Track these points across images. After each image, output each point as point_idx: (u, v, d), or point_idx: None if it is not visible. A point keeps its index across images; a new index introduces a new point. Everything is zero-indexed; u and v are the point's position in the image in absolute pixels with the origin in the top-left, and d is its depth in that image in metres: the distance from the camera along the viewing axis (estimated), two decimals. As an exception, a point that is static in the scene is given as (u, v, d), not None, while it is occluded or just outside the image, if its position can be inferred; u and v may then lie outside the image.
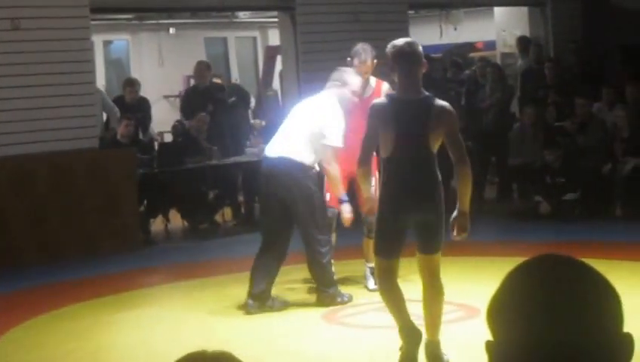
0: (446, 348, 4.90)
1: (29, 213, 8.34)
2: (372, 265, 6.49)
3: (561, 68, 11.17)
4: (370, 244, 6.30)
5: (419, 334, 4.74)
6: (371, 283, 6.51)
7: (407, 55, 4.63)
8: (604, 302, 1.17)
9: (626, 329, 1.19)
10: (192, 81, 11.99)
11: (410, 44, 4.70)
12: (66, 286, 7.41)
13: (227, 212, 10.27)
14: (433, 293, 4.74)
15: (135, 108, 10.18)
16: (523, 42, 11.78)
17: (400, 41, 4.74)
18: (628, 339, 1.18)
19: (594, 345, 1.14)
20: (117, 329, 6.03)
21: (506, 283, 1.20)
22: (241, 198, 10.43)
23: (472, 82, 11.51)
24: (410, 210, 4.62)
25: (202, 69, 10.59)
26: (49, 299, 6.93)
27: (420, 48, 4.74)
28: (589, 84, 10.58)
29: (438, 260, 4.73)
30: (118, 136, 9.47)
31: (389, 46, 4.73)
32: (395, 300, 4.74)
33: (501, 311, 1.18)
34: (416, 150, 4.63)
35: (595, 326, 1.15)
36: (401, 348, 4.76)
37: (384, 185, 4.72)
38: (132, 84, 10.64)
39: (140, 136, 10.11)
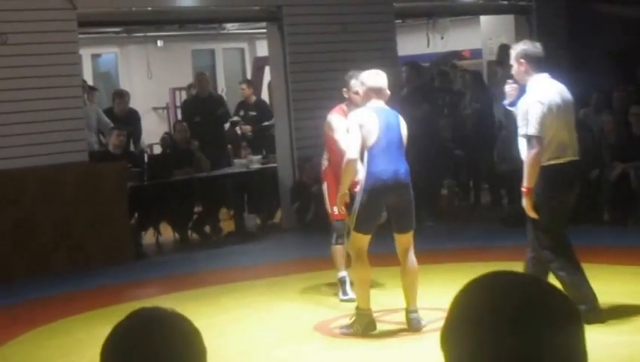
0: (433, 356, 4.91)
1: (18, 227, 8.33)
2: (343, 274, 6.54)
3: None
4: (339, 251, 6.45)
5: (373, 325, 5.68)
6: (341, 293, 6.59)
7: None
8: (560, 321, 1.13)
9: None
10: (179, 93, 12.30)
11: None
12: (57, 301, 7.40)
13: (224, 223, 10.29)
14: (407, 268, 5.67)
15: (125, 121, 10.23)
16: (504, 50, 11.87)
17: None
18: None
19: None
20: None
21: (454, 307, 1.18)
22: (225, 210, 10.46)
23: (455, 92, 11.57)
24: (391, 193, 5.61)
25: (201, 80, 10.91)
26: (40, 314, 6.92)
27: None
28: (575, 91, 10.64)
29: (411, 237, 5.71)
30: (110, 148, 9.50)
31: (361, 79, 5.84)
32: (365, 281, 5.67)
33: (451, 334, 1.16)
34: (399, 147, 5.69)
35: (549, 347, 1.10)
36: (352, 324, 5.68)
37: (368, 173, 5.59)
38: (121, 95, 10.71)
39: (132, 148, 10.15)
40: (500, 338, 1.11)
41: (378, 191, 5.55)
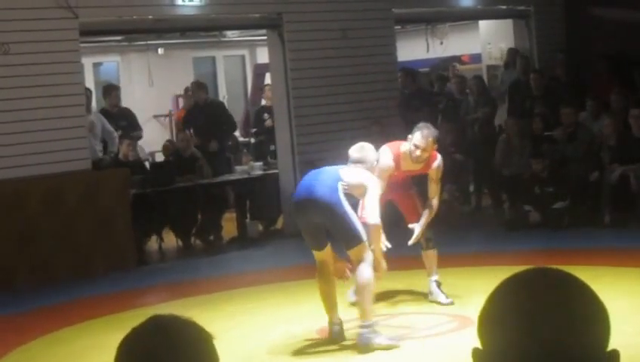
0: (437, 358, 4.92)
1: (22, 235, 8.36)
2: (436, 278, 6.50)
3: (546, 78, 11.28)
4: (429, 256, 6.47)
5: (341, 332, 5.69)
6: (442, 297, 6.46)
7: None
8: (592, 316, 1.19)
9: (615, 334, 1.22)
10: (181, 101, 12.31)
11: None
12: (60, 309, 7.41)
13: (226, 229, 10.33)
14: (356, 282, 5.53)
15: (118, 117, 10.29)
16: (512, 54, 11.92)
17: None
18: (614, 355, 1.20)
19: (579, 358, 1.16)
20: (114, 350, 6.03)
21: (496, 294, 1.23)
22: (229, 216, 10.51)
23: (449, 98, 11.58)
24: (305, 209, 5.62)
25: (194, 88, 10.92)
26: (44, 322, 6.92)
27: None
28: (574, 94, 10.70)
29: (359, 253, 5.52)
30: (120, 156, 9.55)
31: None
32: (323, 293, 5.70)
33: (490, 320, 1.21)
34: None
35: (581, 340, 1.17)
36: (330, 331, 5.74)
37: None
38: (115, 88, 10.76)
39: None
40: (538, 329, 1.17)
41: (293, 206, 5.76)
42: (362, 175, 5.65)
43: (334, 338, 5.70)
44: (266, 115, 11.44)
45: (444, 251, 8.36)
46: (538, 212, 9.29)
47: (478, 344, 1.23)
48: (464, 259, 8.07)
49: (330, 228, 5.58)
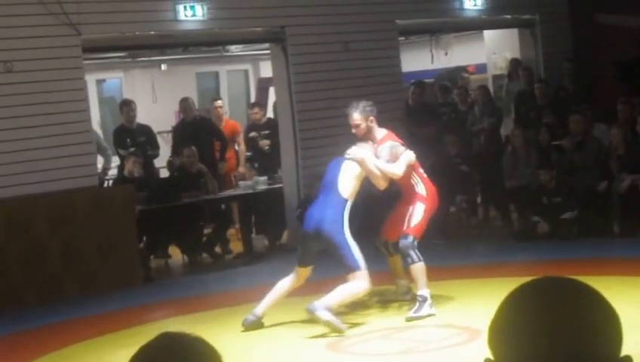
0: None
1: (28, 253, 8.34)
2: (422, 292, 6.42)
3: (550, 88, 11.22)
4: (413, 269, 6.47)
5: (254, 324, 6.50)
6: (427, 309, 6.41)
7: None
8: (604, 323, 1.18)
9: (626, 343, 1.19)
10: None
11: None
12: (67, 326, 7.39)
13: (234, 245, 10.29)
14: (348, 287, 6.25)
15: (136, 133, 10.26)
16: (514, 65, 11.88)
17: None
18: (627, 361, 1.18)
19: None
20: (120, 366, 5.99)
21: (507, 304, 1.22)
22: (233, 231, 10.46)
23: (451, 109, 11.53)
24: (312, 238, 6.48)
25: (185, 105, 10.87)
26: (51, 340, 6.92)
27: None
28: (581, 103, 10.63)
29: (354, 277, 6.23)
30: (125, 173, 9.53)
31: None
32: (282, 289, 6.55)
33: (502, 331, 1.20)
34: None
35: (594, 347, 1.16)
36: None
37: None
38: (128, 103, 10.74)
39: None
40: (551, 336, 1.16)
41: (301, 234, 6.57)
42: (353, 166, 6.47)
43: (246, 325, 6.40)
44: (252, 133, 11.36)
45: (452, 263, 8.34)
46: (547, 222, 9.22)
47: (488, 355, 1.22)
48: (473, 271, 8.01)
49: (332, 255, 6.32)
